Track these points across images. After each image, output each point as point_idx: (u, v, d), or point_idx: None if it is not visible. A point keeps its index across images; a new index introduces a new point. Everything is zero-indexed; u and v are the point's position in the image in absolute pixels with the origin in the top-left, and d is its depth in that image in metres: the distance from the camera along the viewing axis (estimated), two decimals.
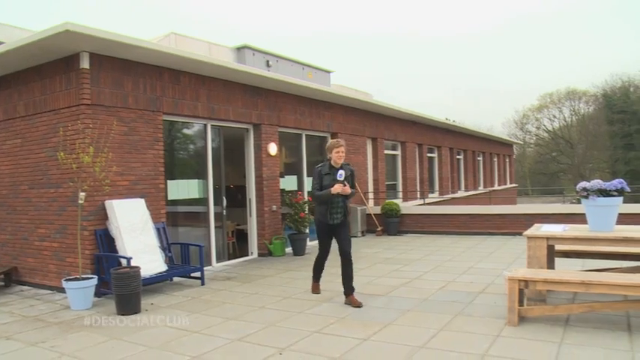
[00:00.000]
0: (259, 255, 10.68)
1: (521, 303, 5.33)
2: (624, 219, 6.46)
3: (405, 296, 6.63)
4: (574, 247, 6.35)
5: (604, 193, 5.49)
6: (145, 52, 7.72)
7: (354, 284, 6.43)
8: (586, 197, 5.60)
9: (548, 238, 5.67)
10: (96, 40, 6.92)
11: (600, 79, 67.72)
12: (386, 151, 16.46)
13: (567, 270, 6.04)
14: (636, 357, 4.29)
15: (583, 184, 5.71)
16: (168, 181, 8.81)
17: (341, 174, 6.25)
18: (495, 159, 30.66)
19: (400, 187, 17.70)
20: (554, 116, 54.46)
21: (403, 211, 13.98)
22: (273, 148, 10.93)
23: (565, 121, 53.72)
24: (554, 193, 39.90)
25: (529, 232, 5.87)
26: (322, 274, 7.03)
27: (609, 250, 6.29)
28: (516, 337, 4.88)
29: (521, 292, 5.29)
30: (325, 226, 6.46)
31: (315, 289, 7.05)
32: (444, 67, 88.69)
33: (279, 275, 8.53)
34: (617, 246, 5.78)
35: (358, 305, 6.18)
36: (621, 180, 5.60)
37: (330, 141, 6.72)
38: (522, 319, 5.28)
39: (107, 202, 7.43)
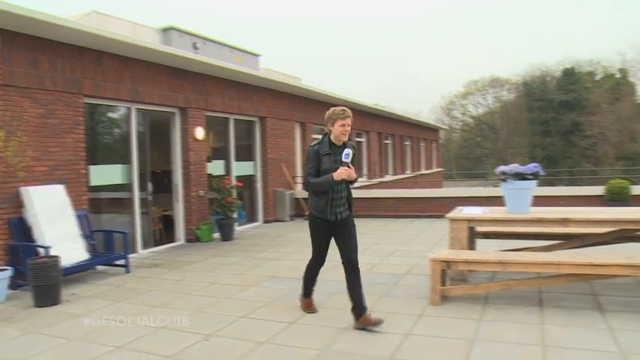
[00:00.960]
0: (187, 241, 10.52)
1: (443, 283, 5.52)
2: (540, 201, 6.79)
3: (332, 279, 6.70)
4: (493, 228, 6.64)
5: (521, 176, 5.76)
6: (64, 31, 7.35)
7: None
8: (504, 181, 5.85)
9: (469, 220, 5.89)
10: (7, 16, 6.52)
11: (521, 68, 70.49)
12: (315, 136, 16.53)
13: (487, 250, 6.31)
14: (545, 329, 4.58)
15: (502, 168, 5.96)
16: (91, 167, 8.47)
17: (347, 153, 4.69)
18: (422, 144, 31.43)
19: None
20: (479, 103, 56.33)
21: None
22: (200, 133, 10.73)
23: (489, 107, 55.68)
24: (478, 177, 41.50)
25: (451, 214, 6.07)
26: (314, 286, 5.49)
27: (525, 230, 6.61)
28: (438, 315, 5.07)
29: (443, 272, 5.48)
30: (323, 225, 4.93)
31: (308, 306, 5.40)
32: (376, 53, 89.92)
33: (206, 261, 8.43)
34: (532, 226, 6.07)
35: (377, 323, 4.77)
36: (536, 164, 5.88)
37: (331, 110, 4.87)
38: (445, 298, 5.48)
39: (23, 189, 7.06)
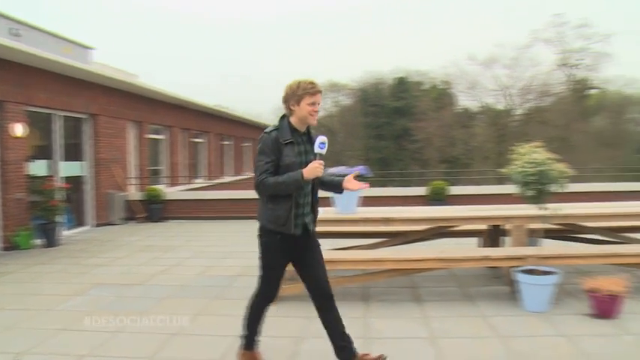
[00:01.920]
0: (4, 249, 9.52)
1: None
2: (371, 202, 7.19)
3: (164, 284, 6.52)
4: (325, 228, 6.87)
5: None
6: None
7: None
8: None
9: None
10: None
11: (358, 75, 74.30)
12: (151, 136, 15.93)
13: None
14: (369, 322, 4.91)
15: (330, 170, 6.18)
16: None
17: (323, 142, 3.53)
18: None
19: (166, 173, 17.31)
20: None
21: (168, 197, 13.71)
22: (19, 129, 9.78)
23: (328, 111, 57.85)
24: None
25: None
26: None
27: (354, 229, 6.95)
28: (271, 315, 5.12)
29: None
30: (283, 243, 3.62)
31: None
32: (220, 52, 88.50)
33: (25, 270, 7.71)
34: (360, 226, 6.41)
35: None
36: (364, 166, 6.19)
37: (295, 83, 3.57)
38: (280, 298, 5.54)
39: None
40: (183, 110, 18.18)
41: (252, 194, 12.67)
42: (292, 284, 5.79)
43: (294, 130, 3.61)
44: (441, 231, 6.85)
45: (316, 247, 3.82)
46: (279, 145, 3.52)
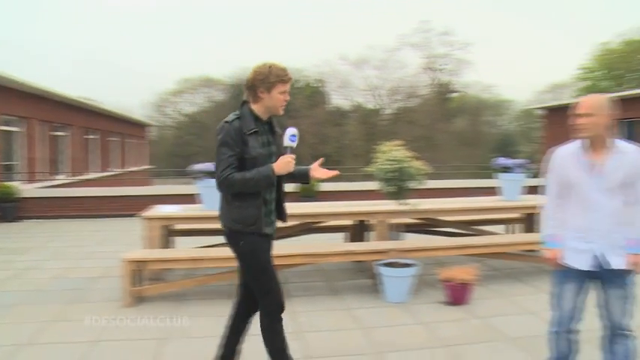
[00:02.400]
0: None
1: (140, 284, 5.35)
2: None
3: (15, 289, 5.99)
4: (190, 225, 6.70)
5: (213, 174, 5.91)
6: None
7: None
8: (199, 178, 5.95)
9: (163, 219, 5.84)
10: None
11: (232, 70, 73.56)
12: (2, 127, 14.60)
13: (181, 248, 6.34)
14: None
15: (197, 166, 6.05)
16: None
17: (294, 134, 3.24)
18: (131, 140, 30.40)
19: (22, 168, 15.95)
20: (192, 101, 56.90)
21: (24, 195, 12.64)
22: None
23: (201, 106, 56.64)
24: (187, 175, 41.78)
25: (145, 213, 5.94)
26: None
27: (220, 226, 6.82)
28: (131, 317, 4.89)
29: (138, 272, 5.32)
30: (262, 241, 3.28)
31: None
32: (86, 42, 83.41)
33: None
34: None
35: None
36: None
37: (266, 67, 3.16)
38: (141, 299, 5.32)
39: None
40: (42, 101, 16.82)
41: (119, 191, 12.18)
42: (153, 284, 5.58)
43: (256, 118, 3.20)
44: (310, 227, 6.94)
45: (272, 249, 3.44)
46: (243, 136, 3.11)
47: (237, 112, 3.19)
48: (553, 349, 3.34)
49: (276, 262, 5.34)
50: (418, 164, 5.22)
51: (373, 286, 5.73)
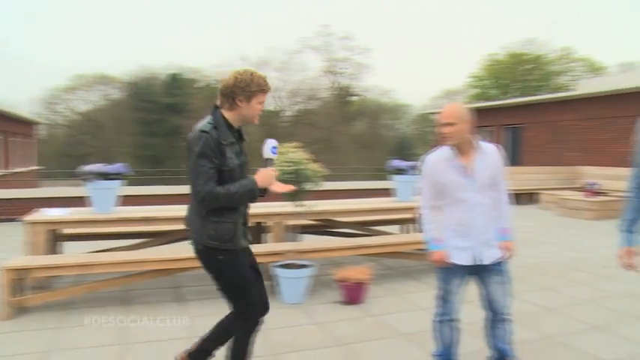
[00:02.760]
0: None
1: (21, 293, 5.01)
2: (136, 201, 6.85)
3: None
4: (79, 229, 6.38)
5: (105, 176, 5.68)
6: None
7: None
8: (89, 180, 5.69)
9: (48, 223, 5.51)
10: None
11: (129, 68, 70.79)
12: None
13: (69, 254, 6.01)
14: (127, 327, 4.65)
15: (87, 167, 5.78)
16: None
17: (275, 147, 3.19)
18: (16, 138, 28.45)
19: None
20: (86, 99, 54.18)
21: None
22: None
23: (96, 104, 54.08)
24: (78, 177, 39.72)
25: (28, 217, 5.59)
26: None
27: (114, 230, 6.56)
28: (10, 331, 4.57)
29: (19, 281, 4.97)
30: (240, 255, 3.12)
31: None
32: None
33: None
34: (118, 226, 6.07)
35: None
36: (122, 164, 5.89)
37: (247, 74, 3.02)
38: (23, 310, 4.98)
39: None
40: None
41: (5, 194, 11.29)
42: (37, 293, 5.26)
43: (229, 126, 3.02)
44: None
45: (252, 254, 3.33)
46: (221, 147, 2.91)
47: (211, 120, 2.98)
48: (438, 339, 3.59)
49: (170, 265, 5.26)
50: (315, 166, 5.30)
51: (270, 288, 5.71)
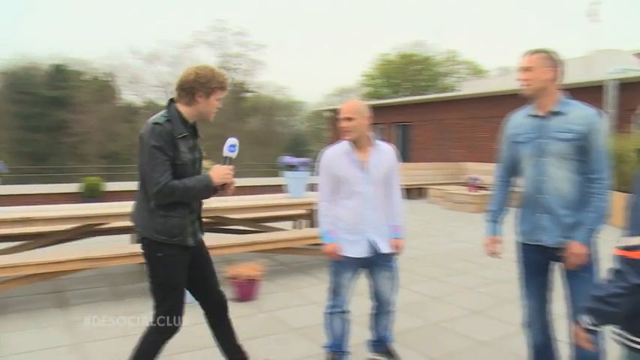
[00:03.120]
0: None
1: None
2: (12, 201, 6.38)
3: None
4: None
5: None
6: None
7: None
8: None
9: None
10: None
11: (6, 56, 65.75)
12: None
13: None
14: (1, 338, 4.31)
15: None
16: None
17: (233, 145, 3.15)
18: None
19: None
20: None
21: None
22: None
23: None
24: None
25: None
26: None
27: None
28: None
29: None
30: (182, 256, 3.03)
31: None
32: None
33: None
34: None
35: None
36: None
37: (208, 69, 3.01)
38: None
39: None
40: None
41: None
42: None
43: (184, 121, 2.97)
44: (93, 229, 6.49)
45: (205, 249, 3.30)
46: (174, 140, 2.86)
47: (165, 113, 2.93)
48: (329, 331, 3.71)
49: (51, 268, 4.94)
50: (206, 163, 5.17)
51: None
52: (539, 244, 3.01)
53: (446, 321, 4.82)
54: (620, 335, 1.92)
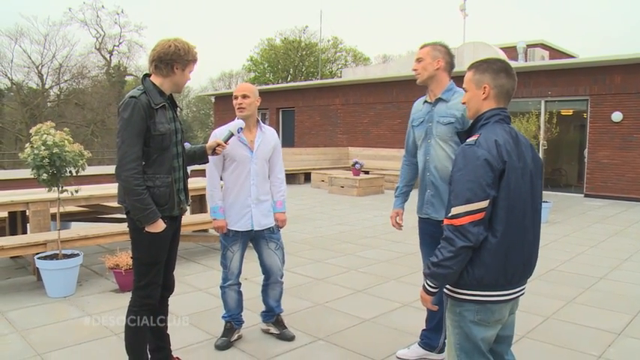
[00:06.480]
0: None
1: None
2: None
3: None
4: None
5: None
6: None
7: None
8: None
9: None
10: None
11: None
12: None
13: None
14: None
15: None
16: None
17: (241, 128, 3.58)
18: None
19: None
20: None
21: None
22: None
23: None
24: None
25: None
26: None
27: None
28: None
29: None
30: (165, 231, 2.99)
31: None
32: None
33: None
34: None
35: None
36: None
37: (183, 42, 3.04)
38: None
39: None
40: None
41: None
42: None
43: (160, 92, 3.00)
44: None
45: (178, 231, 3.27)
46: (151, 110, 2.90)
47: (141, 87, 2.97)
48: (226, 303, 3.95)
49: None
50: (77, 148, 4.87)
51: (36, 283, 5.23)
52: (429, 217, 3.36)
53: (331, 301, 4.96)
54: (446, 289, 2.25)
